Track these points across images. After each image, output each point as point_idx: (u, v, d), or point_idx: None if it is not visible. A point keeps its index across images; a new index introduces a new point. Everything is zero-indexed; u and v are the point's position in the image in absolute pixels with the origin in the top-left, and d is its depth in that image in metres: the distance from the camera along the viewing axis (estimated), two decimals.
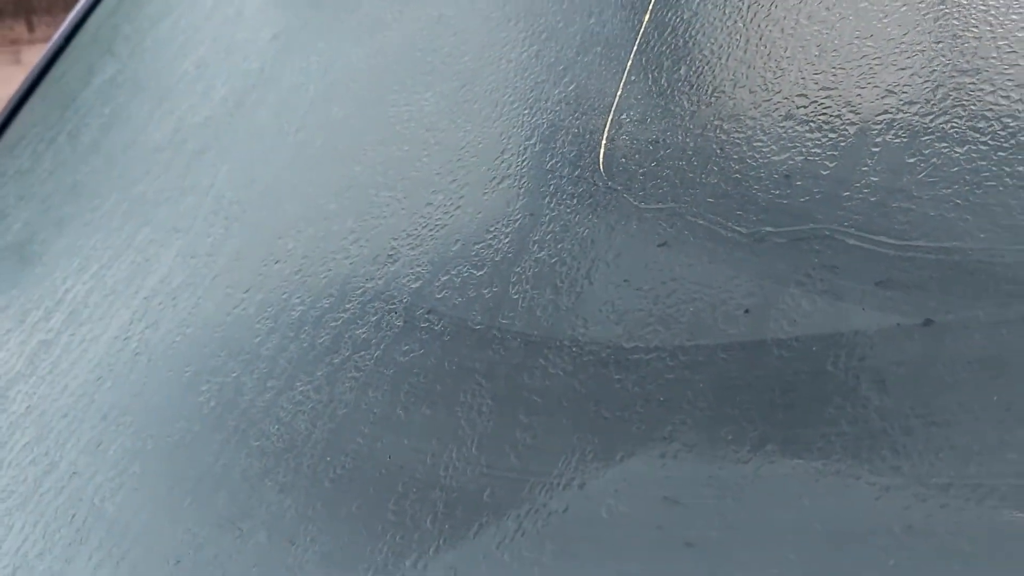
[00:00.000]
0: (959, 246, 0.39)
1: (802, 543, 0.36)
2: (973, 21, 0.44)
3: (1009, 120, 0.41)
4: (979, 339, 0.36)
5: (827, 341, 0.40)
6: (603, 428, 0.43)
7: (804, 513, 0.36)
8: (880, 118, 0.44)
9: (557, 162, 0.53)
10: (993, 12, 0.44)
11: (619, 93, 0.53)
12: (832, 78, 0.46)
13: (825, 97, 0.46)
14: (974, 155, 0.40)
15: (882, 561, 0.34)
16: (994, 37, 0.43)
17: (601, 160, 0.52)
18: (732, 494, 0.38)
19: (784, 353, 0.40)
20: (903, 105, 0.44)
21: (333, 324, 0.56)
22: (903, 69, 0.45)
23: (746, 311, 0.42)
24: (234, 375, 0.58)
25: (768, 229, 0.44)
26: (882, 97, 0.44)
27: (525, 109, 0.58)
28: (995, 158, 0.40)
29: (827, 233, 0.42)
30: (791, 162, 0.45)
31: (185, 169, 0.78)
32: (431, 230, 0.56)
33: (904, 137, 0.43)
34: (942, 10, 0.45)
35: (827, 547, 0.36)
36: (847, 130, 0.44)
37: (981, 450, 0.35)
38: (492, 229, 0.53)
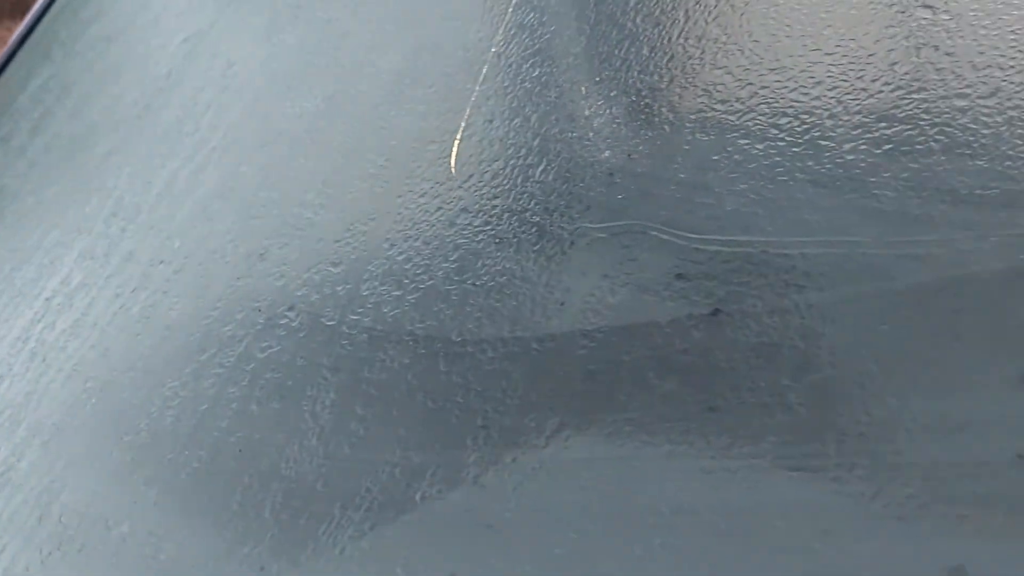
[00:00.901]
0: (749, 239, 0.41)
1: (587, 523, 0.38)
2: (783, 21, 0.46)
3: (806, 117, 0.43)
4: (756, 327, 0.39)
5: (625, 331, 0.42)
6: (427, 418, 0.45)
7: (591, 495, 0.39)
8: (693, 117, 0.46)
9: (414, 162, 0.56)
10: (798, 12, 0.46)
11: (473, 97, 0.56)
12: (656, 79, 0.49)
13: (647, 97, 0.48)
14: (771, 151, 0.43)
15: (654, 538, 0.37)
16: (802, 36, 0.46)
17: (453, 160, 0.54)
18: (529, 477, 0.40)
19: (588, 343, 0.42)
20: (714, 103, 0.46)
21: (203, 322, 0.58)
22: (719, 68, 0.47)
23: (561, 304, 0.45)
24: (113, 373, 0.60)
25: (587, 225, 0.46)
26: (697, 96, 0.47)
27: (391, 110, 0.60)
28: (789, 154, 0.42)
29: (637, 228, 0.45)
30: (614, 160, 0.48)
31: (94, 171, 0.81)
32: (298, 229, 0.58)
33: (712, 135, 0.45)
34: (751, 11, 0.47)
35: (609, 526, 0.38)
36: (664, 128, 0.47)
37: (747, 433, 0.37)
38: (352, 228, 0.56)
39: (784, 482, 0.35)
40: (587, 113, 0.50)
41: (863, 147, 0.40)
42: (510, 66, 0.56)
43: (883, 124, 0.40)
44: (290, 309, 0.54)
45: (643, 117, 0.48)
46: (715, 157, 0.44)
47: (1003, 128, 0.38)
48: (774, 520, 0.34)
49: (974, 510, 0.32)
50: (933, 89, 0.40)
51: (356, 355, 0.50)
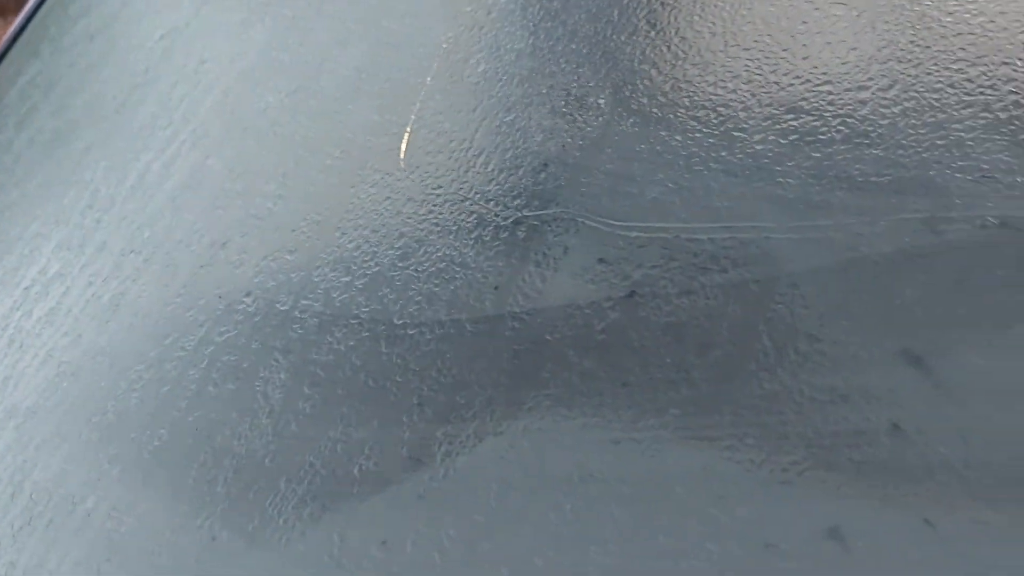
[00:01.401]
0: (664, 226, 0.44)
1: (506, 492, 0.41)
2: (706, 19, 0.49)
3: (722, 109, 0.46)
4: (666, 308, 0.41)
5: (550, 313, 0.45)
6: (368, 396, 0.48)
7: (511, 466, 0.42)
8: (620, 109, 0.49)
9: (367, 154, 0.58)
10: (720, 10, 0.49)
11: (423, 92, 0.58)
12: (589, 74, 0.51)
13: (581, 91, 0.51)
14: (689, 142, 0.45)
15: (565, 504, 0.39)
16: (722, 33, 0.48)
17: (403, 151, 0.57)
18: (457, 451, 0.43)
19: (516, 325, 0.45)
20: (640, 97, 0.48)
21: (168, 308, 0.61)
22: (645, 63, 0.49)
23: (496, 288, 0.47)
24: (84, 358, 0.63)
25: (522, 213, 0.49)
26: (625, 90, 0.49)
27: (349, 104, 0.63)
28: (705, 144, 0.45)
29: (566, 216, 0.47)
30: (550, 151, 0.50)
31: (73, 165, 0.84)
32: (259, 219, 0.61)
33: (637, 126, 0.48)
34: (677, 10, 0.50)
35: (526, 494, 0.41)
36: (596, 120, 0.49)
37: (654, 407, 0.40)
38: (307, 217, 0.59)
39: (684, 451, 0.38)
40: (526, 106, 0.52)
41: (771, 138, 0.43)
42: (458, 62, 0.58)
43: (790, 116, 0.43)
44: (247, 295, 0.57)
45: (576, 110, 0.51)
46: (639, 148, 0.47)
47: (899, 118, 0.40)
48: (674, 486, 0.37)
49: (851, 475, 0.34)
50: (838, 82, 0.43)
51: (306, 338, 0.53)
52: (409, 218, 0.54)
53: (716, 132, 0.45)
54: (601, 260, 0.45)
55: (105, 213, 0.74)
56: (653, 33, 0.50)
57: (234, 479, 0.50)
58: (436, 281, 0.50)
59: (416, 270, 0.51)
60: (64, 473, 0.58)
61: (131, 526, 0.52)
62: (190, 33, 0.85)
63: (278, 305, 0.55)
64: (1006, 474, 0.32)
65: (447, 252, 0.50)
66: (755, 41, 0.46)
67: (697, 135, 0.45)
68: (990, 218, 0.37)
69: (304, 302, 0.54)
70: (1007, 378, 0.34)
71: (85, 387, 0.62)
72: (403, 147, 0.57)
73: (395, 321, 0.50)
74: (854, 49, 0.44)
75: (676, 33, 0.48)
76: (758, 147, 0.43)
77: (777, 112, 0.43)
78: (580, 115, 0.50)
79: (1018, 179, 0.37)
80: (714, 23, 0.49)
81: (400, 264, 0.52)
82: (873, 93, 0.41)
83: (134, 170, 0.75)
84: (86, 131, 0.87)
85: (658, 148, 0.46)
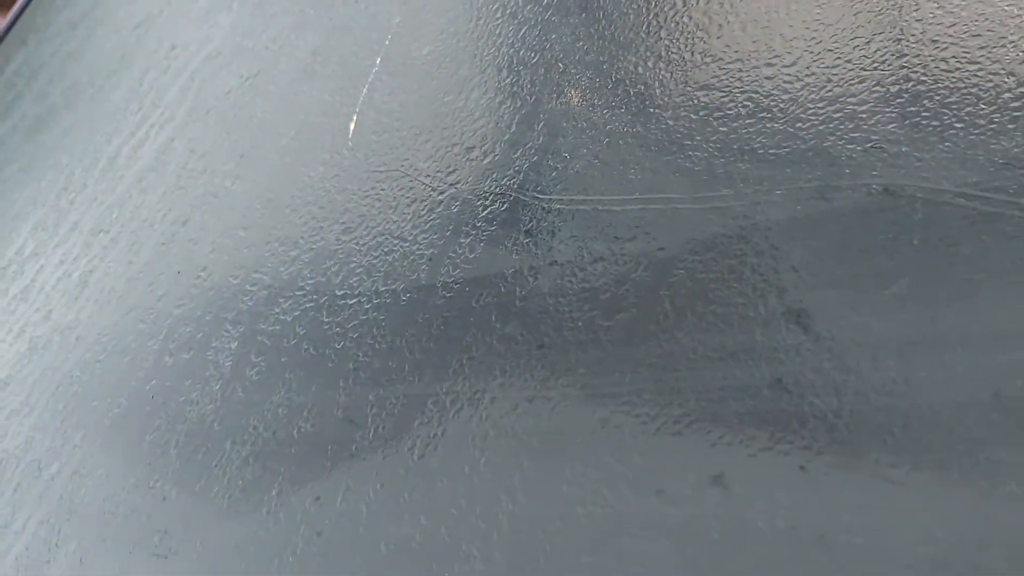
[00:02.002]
0: (585, 198, 0.46)
1: (428, 448, 0.44)
2: (628, 2, 0.51)
3: (641, 87, 0.48)
4: (581, 275, 0.44)
5: (477, 282, 0.47)
6: (308, 363, 0.51)
7: (433, 424, 0.44)
8: (551, 89, 0.51)
9: (318, 134, 0.61)
10: None
11: (371, 76, 0.61)
12: (523, 56, 0.54)
13: (515, 74, 0.53)
14: (610, 118, 0.48)
15: (480, 459, 0.42)
16: (646, 13, 0.50)
17: (351, 131, 0.59)
18: (387, 412, 0.46)
19: (447, 294, 0.48)
20: (569, 75, 0.51)
21: (131, 284, 0.64)
22: (573, 45, 0.52)
23: (429, 259, 0.50)
24: (54, 332, 0.66)
25: (457, 187, 0.52)
26: (554, 69, 0.52)
27: (304, 87, 0.65)
28: (623, 120, 0.47)
29: (497, 190, 0.50)
30: (484, 129, 0.53)
31: (51, 149, 0.87)
32: (216, 197, 0.64)
33: (565, 105, 0.50)
34: None
35: (445, 450, 0.43)
36: (527, 99, 0.52)
37: (565, 367, 0.42)
38: (261, 195, 0.61)
39: (588, 407, 0.40)
40: (467, 87, 0.55)
41: (683, 114, 0.45)
42: (405, 46, 0.61)
43: (702, 92, 0.45)
44: (203, 270, 0.60)
45: (510, 91, 0.53)
46: (565, 124, 0.49)
47: (799, 93, 0.43)
48: (577, 440, 0.40)
49: (735, 427, 0.37)
50: (747, 60, 0.45)
51: (255, 310, 0.55)
52: (354, 194, 0.56)
53: (634, 109, 0.47)
54: (526, 232, 0.47)
55: (78, 195, 0.77)
56: (584, 15, 0.52)
57: (185, 442, 0.53)
58: (375, 253, 0.52)
59: (358, 243, 0.54)
60: (31, 440, 0.61)
61: (91, 488, 0.55)
62: (163, 20, 0.87)
63: (231, 279, 0.58)
64: (872, 421, 0.35)
65: (387, 226, 0.53)
66: (674, 23, 0.49)
67: (617, 111, 0.48)
68: (875, 186, 0.39)
69: (255, 275, 0.57)
70: (881, 334, 0.36)
71: (53, 360, 0.65)
72: (351, 127, 0.60)
73: (336, 292, 0.52)
74: (765, 28, 0.46)
75: (603, 16, 0.51)
76: (671, 123, 0.45)
77: (691, 89, 0.46)
78: (514, 94, 0.53)
79: (903, 149, 0.39)
80: (636, 5, 0.52)
81: (343, 238, 0.55)
82: (778, 70, 0.44)
83: (106, 153, 0.78)
84: (64, 116, 0.90)
85: (582, 125, 0.48)
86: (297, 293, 0.53)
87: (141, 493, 0.52)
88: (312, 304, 0.52)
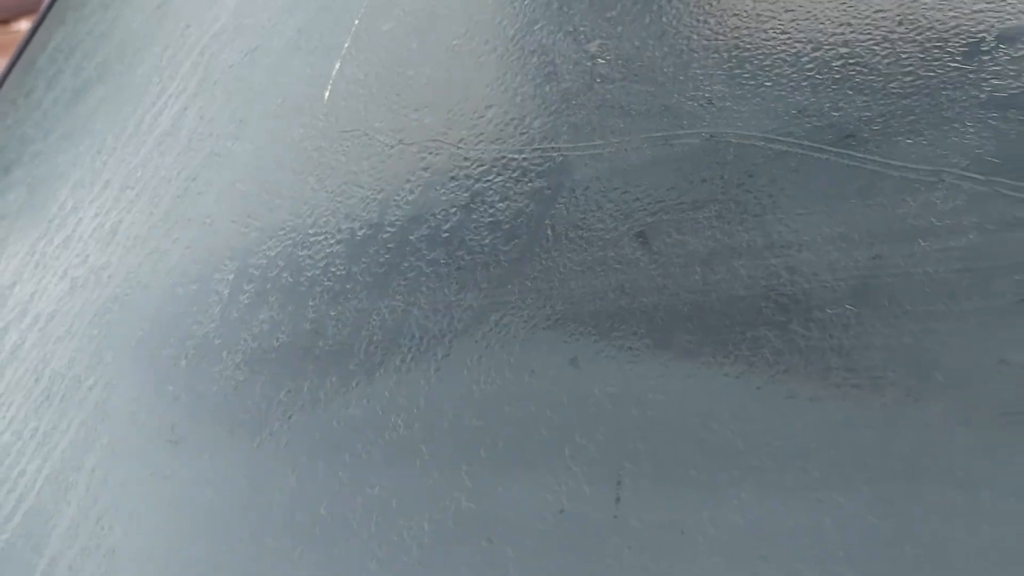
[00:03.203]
0: (497, 148, 0.59)
1: (370, 350, 0.57)
2: None
3: (545, 55, 0.60)
4: (491, 212, 0.56)
5: (413, 220, 0.60)
6: (286, 289, 0.64)
7: (377, 331, 0.57)
8: (480, 53, 0.63)
9: (301, 100, 0.74)
10: None
11: (344, 49, 0.73)
12: (465, 25, 0.66)
13: (455, 49, 0.65)
14: (519, 79, 0.60)
15: (408, 353, 0.55)
16: None
17: (327, 95, 0.72)
18: (343, 323, 0.59)
19: (391, 229, 0.61)
20: (492, 40, 0.63)
21: (152, 231, 0.78)
22: (499, 12, 0.64)
23: (380, 202, 0.63)
24: (89, 274, 0.81)
25: (403, 143, 0.64)
26: (487, 29, 0.64)
27: (293, 60, 0.78)
28: (529, 79, 0.59)
29: (431, 142, 0.62)
30: (430, 93, 0.65)
31: (87, 119, 1.01)
32: (219, 156, 0.77)
33: (486, 65, 0.62)
34: None
35: (378, 356, 0.56)
36: (467, 67, 0.64)
37: (473, 283, 0.55)
38: (255, 154, 0.75)
39: (488, 313, 0.53)
40: (417, 59, 0.67)
41: (576, 77, 0.57)
42: (371, 23, 0.73)
43: (589, 61, 0.57)
44: (208, 217, 0.74)
45: (454, 61, 0.65)
46: (487, 82, 0.62)
47: (658, 59, 0.54)
48: (478, 336, 0.53)
49: (588, 322, 0.49)
50: (624, 35, 0.57)
51: (247, 247, 0.69)
52: (326, 151, 0.69)
53: (542, 72, 0.59)
54: (452, 178, 0.60)
55: (109, 157, 0.91)
56: None
57: (192, 354, 0.67)
58: (339, 199, 0.65)
59: (326, 191, 0.67)
60: (73, 360, 0.75)
61: (119, 394, 0.70)
62: (179, 1, 1.01)
63: (230, 223, 0.72)
64: (681, 313, 0.47)
65: (349, 176, 0.66)
66: None
67: (527, 74, 0.60)
68: (704, 133, 0.51)
69: (247, 219, 0.70)
70: (694, 247, 0.48)
71: (90, 295, 0.79)
72: (326, 95, 0.72)
73: (308, 231, 0.66)
74: (638, 3, 0.57)
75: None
76: (566, 84, 0.57)
77: (583, 57, 0.58)
78: (456, 65, 0.65)
79: (727, 104, 0.51)
80: None
81: (316, 187, 0.68)
82: (644, 40, 0.55)
83: (132, 121, 0.92)
84: (98, 89, 1.04)
85: (498, 82, 0.60)
86: (279, 233, 0.67)
87: (158, 396, 0.66)
88: (290, 241, 0.66)
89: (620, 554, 0.43)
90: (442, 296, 0.55)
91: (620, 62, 0.55)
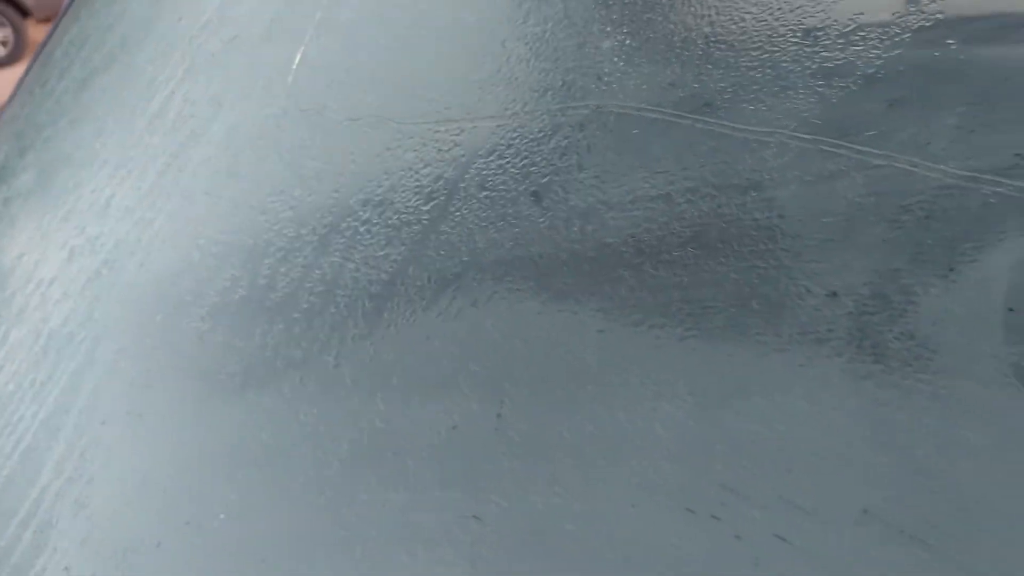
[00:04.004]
0: (424, 122, 0.67)
1: (311, 296, 0.65)
2: None
3: (483, 41, 0.68)
4: (415, 176, 0.65)
5: (352, 184, 0.68)
6: (247, 248, 0.73)
7: (315, 283, 0.66)
8: (425, 43, 0.71)
9: (275, 75, 0.83)
10: None
11: (307, 36, 0.82)
12: (400, 7, 0.74)
13: (404, 38, 0.74)
14: (453, 63, 0.68)
15: (341, 300, 0.63)
16: None
17: (289, 83, 0.81)
18: (289, 277, 0.68)
19: (335, 194, 0.69)
20: (437, 27, 0.71)
21: (139, 200, 0.87)
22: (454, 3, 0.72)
23: (330, 171, 0.71)
24: (90, 242, 0.90)
25: (353, 120, 0.73)
26: (436, 26, 0.72)
27: (269, 45, 0.87)
28: (462, 60, 0.67)
29: (379, 118, 0.71)
30: (380, 74, 0.74)
31: (92, 103, 1.11)
32: (201, 137, 0.86)
33: (432, 51, 0.70)
34: None
35: (317, 294, 0.65)
36: (409, 46, 0.72)
37: (400, 239, 0.63)
38: (230, 132, 0.83)
39: (409, 264, 0.61)
40: (366, 44, 0.76)
41: (491, 56, 0.65)
42: (332, 14, 0.82)
43: (499, 48, 0.65)
44: (187, 191, 0.83)
45: (403, 45, 0.74)
46: (430, 62, 0.70)
47: (555, 44, 0.62)
48: (398, 283, 0.61)
49: (489, 269, 0.57)
50: (525, 26, 0.65)
51: (220, 213, 0.78)
52: (286, 128, 0.78)
53: (462, 57, 0.67)
54: (387, 148, 0.68)
55: (108, 139, 1.00)
56: None
57: (168, 311, 0.76)
58: (294, 168, 0.74)
59: (285, 164, 0.75)
60: (67, 319, 0.85)
61: (104, 348, 0.79)
62: None
63: (203, 194, 0.81)
64: (561, 258, 0.55)
65: (303, 149, 0.74)
66: None
67: (451, 59, 0.68)
68: (592, 105, 0.58)
69: (217, 191, 0.79)
70: (575, 203, 0.56)
71: (84, 263, 0.89)
72: (289, 80, 0.81)
73: (267, 198, 0.74)
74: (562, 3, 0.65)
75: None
76: (482, 66, 0.65)
77: (496, 44, 0.66)
78: (393, 47, 0.73)
79: (613, 79, 0.59)
80: None
81: (276, 160, 0.76)
82: (546, 25, 0.63)
83: (127, 106, 1.01)
84: (101, 78, 1.14)
85: (428, 67, 0.69)
86: (242, 201, 0.75)
87: (137, 347, 0.75)
88: (251, 208, 0.74)
89: (498, 459, 0.51)
90: (372, 251, 0.64)
91: (526, 46, 0.63)
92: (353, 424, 0.57)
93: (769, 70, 0.52)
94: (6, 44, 7.81)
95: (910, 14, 0.49)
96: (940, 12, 0.48)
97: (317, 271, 0.66)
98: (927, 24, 0.48)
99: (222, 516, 0.60)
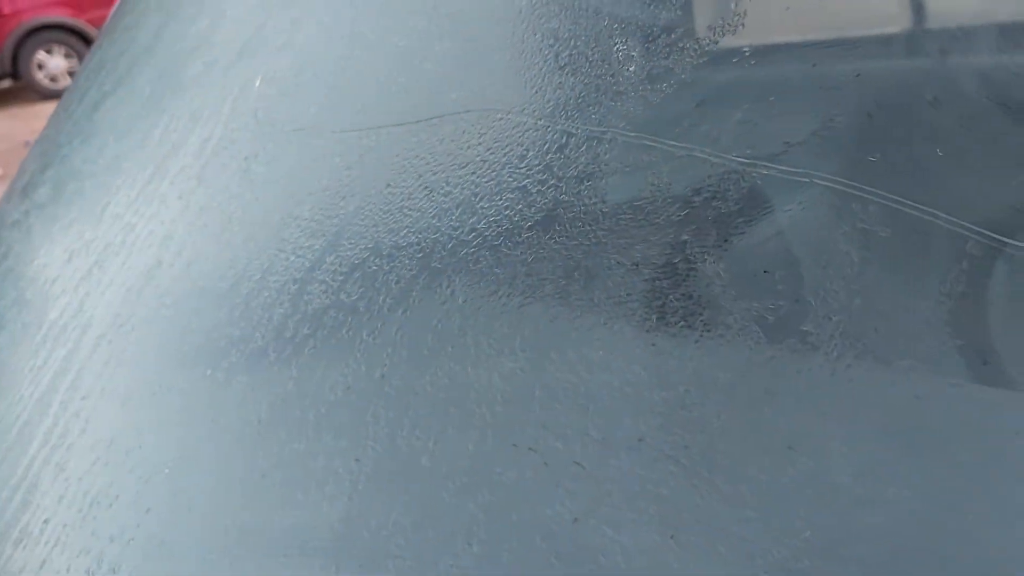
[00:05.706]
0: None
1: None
2: None
3: (416, 47, 0.80)
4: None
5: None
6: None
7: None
8: (376, 48, 0.84)
9: (229, 99, 0.96)
10: None
11: (268, 56, 0.95)
12: (372, 11, 0.86)
13: (354, 45, 0.86)
14: (386, 74, 0.80)
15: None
16: None
17: (257, 84, 0.94)
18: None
19: (309, 195, 0.81)
20: (382, 36, 0.83)
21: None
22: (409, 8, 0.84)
23: (303, 170, 0.84)
24: (178, 218, 1.04)
25: (298, 129, 0.85)
26: (387, 16, 0.84)
27: (242, 62, 1.00)
28: (392, 74, 0.79)
29: (321, 126, 0.83)
30: (341, 83, 0.86)
31: (107, 113, 1.25)
32: (172, 148, 1.00)
33: (375, 59, 0.82)
34: None
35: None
36: (361, 55, 0.84)
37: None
38: (209, 138, 0.96)
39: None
40: (321, 57, 0.88)
41: (431, 55, 0.77)
42: (287, 37, 0.95)
43: (432, 61, 0.77)
44: (163, 195, 0.96)
45: (341, 63, 0.86)
46: (377, 74, 0.82)
47: (453, 58, 0.74)
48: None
49: (386, 251, 0.69)
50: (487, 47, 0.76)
51: (182, 221, 0.90)
52: (249, 133, 0.90)
53: (384, 74, 0.79)
54: (324, 155, 0.80)
55: (108, 154, 1.14)
56: None
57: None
58: (249, 177, 0.86)
59: (244, 168, 0.88)
60: (64, 311, 0.98)
61: (91, 332, 0.92)
62: (175, 25, 1.24)
63: (177, 199, 0.94)
64: (443, 244, 0.66)
65: (256, 152, 0.87)
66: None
67: (376, 76, 0.80)
68: (473, 110, 0.70)
69: (188, 196, 0.92)
70: (461, 194, 0.67)
71: (80, 263, 1.02)
72: (257, 83, 0.94)
73: (231, 201, 0.87)
74: (460, 16, 0.77)
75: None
76: (399, 80, 0.77)
77: (414, 60, 0.77)
78: (338, 65, 0.85)
79: (494, 86, 0.70)
80: None
81: (240, 159, 0.89)
82: (454, 42, 0.75)
83: (125, 125, 1.15)
84: (109, 100, 1.28)
85: (369, 79, 0.81)
86: (208, 207, 0.88)
87: (119, 327, 0.88)
88: (212, 210, 0.87)
89: (377, 411, 0.62)
90: (300, 243, 0.76)
91: (435, 62, 0.75)
92: (270, 390, 0.68)
93: (609, 76, 0.62)
94: (73, 75, 8.23)
95: (716, 30, 0.59)
96: (740, 25, 0.59)
97: (256, 261, 0.78)
98: (731, 36, 0.59)
99: (166, 471, 0.72)
